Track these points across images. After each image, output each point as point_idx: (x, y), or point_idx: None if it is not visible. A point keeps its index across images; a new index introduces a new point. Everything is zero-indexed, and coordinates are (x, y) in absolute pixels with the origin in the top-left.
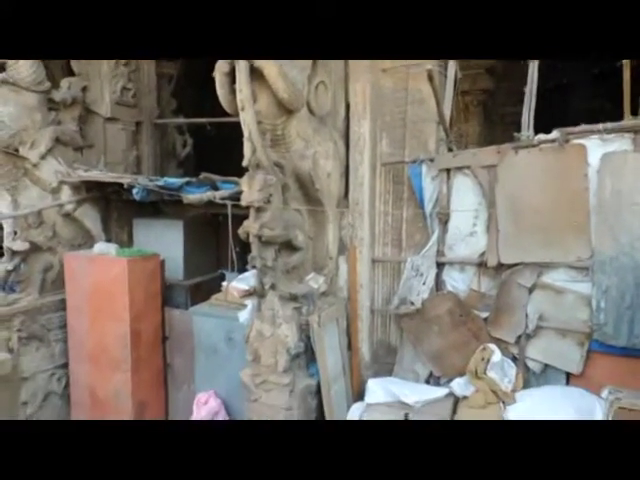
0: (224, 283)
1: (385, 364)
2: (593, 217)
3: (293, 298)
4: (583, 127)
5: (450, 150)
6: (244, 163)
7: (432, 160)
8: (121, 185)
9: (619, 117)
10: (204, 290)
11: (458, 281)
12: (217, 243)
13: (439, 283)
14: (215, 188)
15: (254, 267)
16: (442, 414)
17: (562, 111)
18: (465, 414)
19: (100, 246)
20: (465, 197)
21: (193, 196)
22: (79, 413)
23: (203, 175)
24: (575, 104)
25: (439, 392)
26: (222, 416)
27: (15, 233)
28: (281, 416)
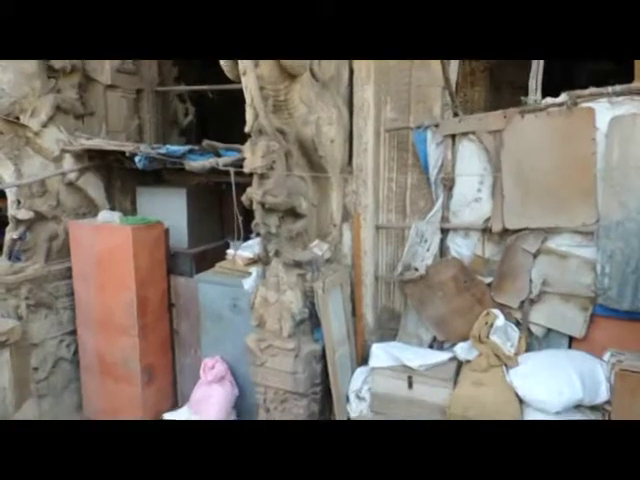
0: (229, 251)
1: (389, 329)
2: (600, 182)
3: (297, 265)
4: (592, 90)
5: (456, 115)
6: (246, 129)
7: (437, 126)
8: (123, 153)
9: (629, 80)
10: (209, 258)
11: (462, 247)
12: (221, 211)
13: (443, 249)
14: (218, 155)
15: (258, 234)
16: (445, 377)
17: (570, 74)
18: (468, 378)
19: (104, 214)
20: (470, 163)
21: (196, 163)
22: (88, 378)
23: (205, 142)
24: (583, 66)
25: (442, 356)
26: (228, 380)
27: (19, 202)
28: (287, 380)
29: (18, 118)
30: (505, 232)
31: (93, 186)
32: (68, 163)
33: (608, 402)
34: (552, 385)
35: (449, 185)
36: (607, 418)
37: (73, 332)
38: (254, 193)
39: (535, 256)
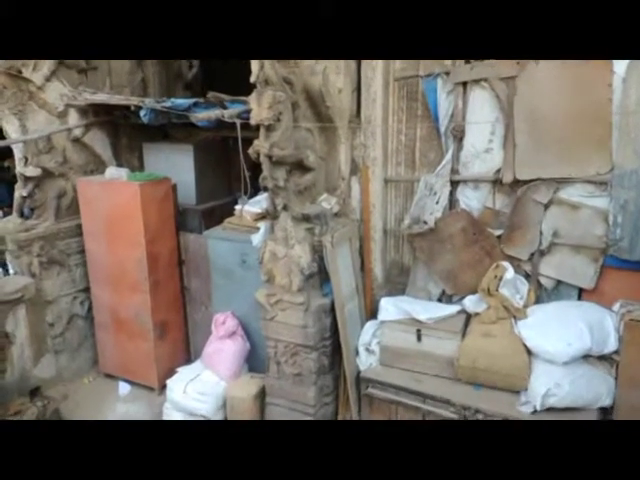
0: (237, 207)
1: (398, 284)
2: (615, 130)
3: (306, 219)
4: None
5: (467, 62)
6: (252, 79)
7: (448, 73)
8: (128, 108)
9: None
10: (217, 214)
11: (472, 199)
12: (229, 167)
13: (453, 202)
14: (224, 108)
15: (266, 188)
16: (454, 330)
17: None
18: (477, 330)
19: (111, 171)
20: (481, 112)
21: (201, 114)
22: (103, 334)
23: (211, 94)
24: None
25: (451, 309)
26: (239, 335)
27: (26, 159)
28: (297, 333)
29: (20, 72)
30: (516, 183)
31: (99, 142)
32: (73, 119)
33: (616, 352)
34: (560, 336)
35: (459, 136)
36: (615, 368)
37: (86, 289)
38: (261, 146)
39: (546, 207)
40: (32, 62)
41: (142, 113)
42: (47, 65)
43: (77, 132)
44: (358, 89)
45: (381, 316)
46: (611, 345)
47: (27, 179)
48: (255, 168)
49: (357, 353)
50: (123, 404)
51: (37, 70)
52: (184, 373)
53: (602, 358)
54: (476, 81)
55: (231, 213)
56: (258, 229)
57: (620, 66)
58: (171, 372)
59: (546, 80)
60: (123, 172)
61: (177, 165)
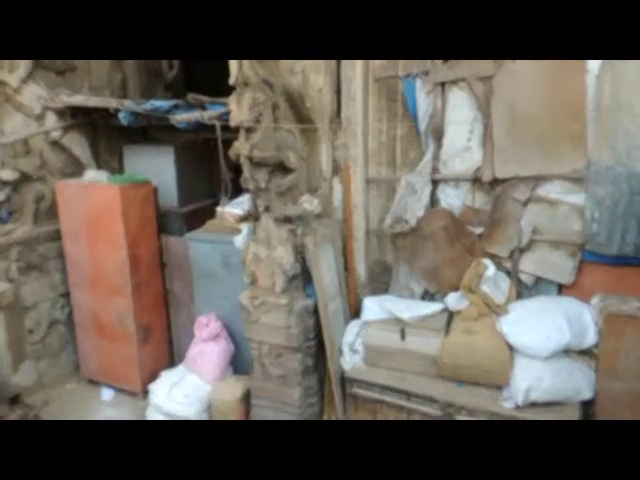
0: (218, 208)
1: (381, 283)
2: (590, 126)
3: (288, 220)
4: None
5: (445, 61)
6: (231, 81)
7: (427, 73)
8: (107, 110)
9: None
10: (199, 217)
11: (453, 198)
12: (211, 169)
13: (434, 201)
14: (204, 109)
15: (247, 190)
16: (437, 327)
17: None
18: (459, 327)
19: (90, 174)
20: (460, 111)
21: (181, 116)
22: (84, 339)
23: (190, 96)
24: None
25: (434, 307)
26: (223, 337)
27: (2, 163)
28: (281, 335)
29: None
30: (495, 181)
31: (78, 145)
32: (51, 121)
33: (596, 346)
34: (539, 331)
35: (439, 135)
36: (595, 361)
37: (66, 294)
38: (241, 147)
39: (525, 204)
40: (7, 63)
41: (121, 115)
42: (23, 66)
43: (55, 134)
44: (338, 89)
45: (365, 315)
46: (590, 339)
47: (4, 183)
48: (237, 169)
49: (341, 353)
50: (106, 410)
51: (13, 72)
52: (167, 377)
53: (582, 352)
54: (454, 81)
55: (213, 215)
56: (240, 231)
57: (594, 63)
58: (155, 376)
59: (523, 78)
60: (103, 175)
61: (158, 167)
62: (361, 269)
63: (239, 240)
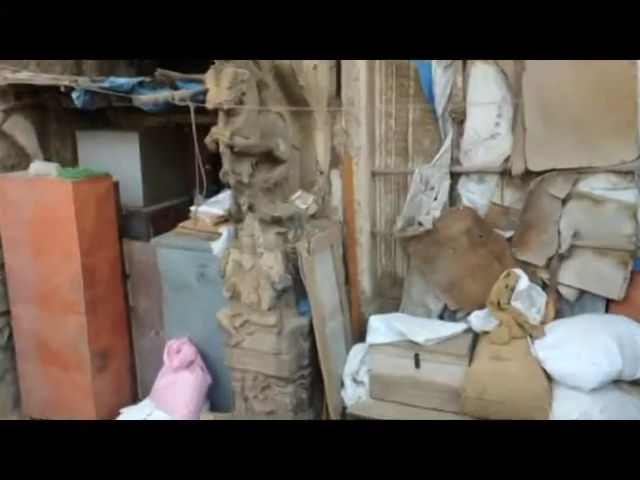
0: (193, 208)
1: (390, 299)
2: None
3: (276, 221)
4: None
5: None
6: None
7: None
8: (58, 89)
9: None
10: (170, 218)
11: (476, 194)
12: (184, 160)
13: (454, 198)
14: (175, 88)
15: (228, 185)
16: (458, 353)
17: None
18: (486, 352)
19: (37, 166)
20: (485, 90)
21: (147, 96)
22: (27, 367)
23: (159, 72)
24: None
25: (455, 328)
26: (198, 365)
27: None
28: (268, 362)
29: None
30: (528, 174)
31: (23, 131)
32: None
33: None
34: (584, 356)
35: (460, 118)
36: None
37: (6, 312)
38: (220, 134)
39: (564, 202)
40: None
41: (75, 95)
42: None
43: None
44: (338, 65)
45: (371, 338)
46: None
47: None
48: (215, 160)
49: (342, 384)
50: None
51: None
52: (130, 414)
53: (635, 383)
54: None
55: (186, 216)
56: (219, 235)
57: None
58: (114, 412)
59: None
60: (52, 167)
61: (119, 157)
62: (366, 281)
63: (217, 246)
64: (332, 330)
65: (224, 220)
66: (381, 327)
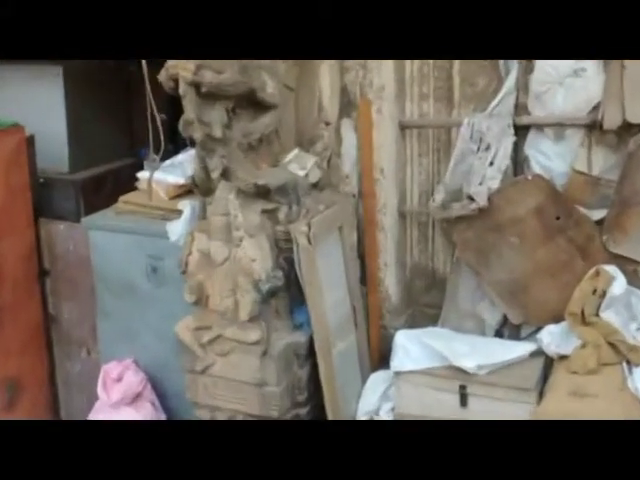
0: (141, 175)
1: (425, 306)
2: None
3: (262, 194)
4: None
5: None
6: None
7: None
8: None
9: None
10: (107, 189)
11: (552, 158)
12: (128, 108)
13: (519, 162)
14: None
15: (191, 142)
16: (524, 385)
17: None
18: (563, 384)
19: None
20: None
21: None
22: None
23: None
24: None
25: (518, 349)
26: (148, 400)
27: None
28: (249, 396)
29: None
30: (627, 129)
31: None
32: None
33: None
34: None
35: None
36: None
37: None
38: (181, 67)
39: None
40: None
41: None
42: None
43: None
44: None
45: (397, 363)
46: None
47: None
48: (174, 107)
49: None
50: None
51: None
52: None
53: None
54: None
55: (132, 187)
56: (178, 213)
57: None
58: None
59: None
60: None
61: (36, 103)
62: (391, 281)
63: (176, 229)
64: (341, 351)
65: (186, 192)
66: (412, 347)
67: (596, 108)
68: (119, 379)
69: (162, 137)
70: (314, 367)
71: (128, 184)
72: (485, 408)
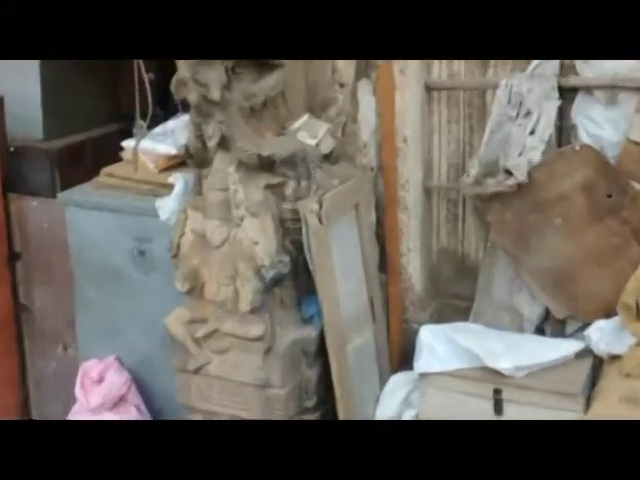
0: (126, 144)
1: (454, 298)
2: None
3: (266, 166)
4: None
5: None
6: None
7: None
8: None
9: None
10: (87, 160)
11: (603, 126)
12: (113, 67)
13: (564, 131)
14: None
15: (184, 106)
16: (569, 390)
17: None
18: (614, 389)
19: None
20: None
21: None
22: None
23: None
24: None
25: (562, 349)
26: (133, 404)
27: None
28: (250, 400)
29: None
30: None
31: None
32: None
33: None
34: None
35: None
36: None
37: None
38: None
39: None
40: None
41: None
42: None
43: None
44: None
45: (421, 363)
46: None
47: None
48: (164, 67)
49: None
50: None
51: None
52: None
53: None
54: None
55: (115, 157)
56: (170, 188)
57: None
58: None
59: None
60: None
61: (5, 61)
62: (415, 269)
63: (167, 207)
64: (356, 349)
65: (178, 163)
66: (438, 345)
67: None
68: (100, 380)
69: (150, 100)
70: (325, 367)
71: (111, 154)
72: (523, 416)
